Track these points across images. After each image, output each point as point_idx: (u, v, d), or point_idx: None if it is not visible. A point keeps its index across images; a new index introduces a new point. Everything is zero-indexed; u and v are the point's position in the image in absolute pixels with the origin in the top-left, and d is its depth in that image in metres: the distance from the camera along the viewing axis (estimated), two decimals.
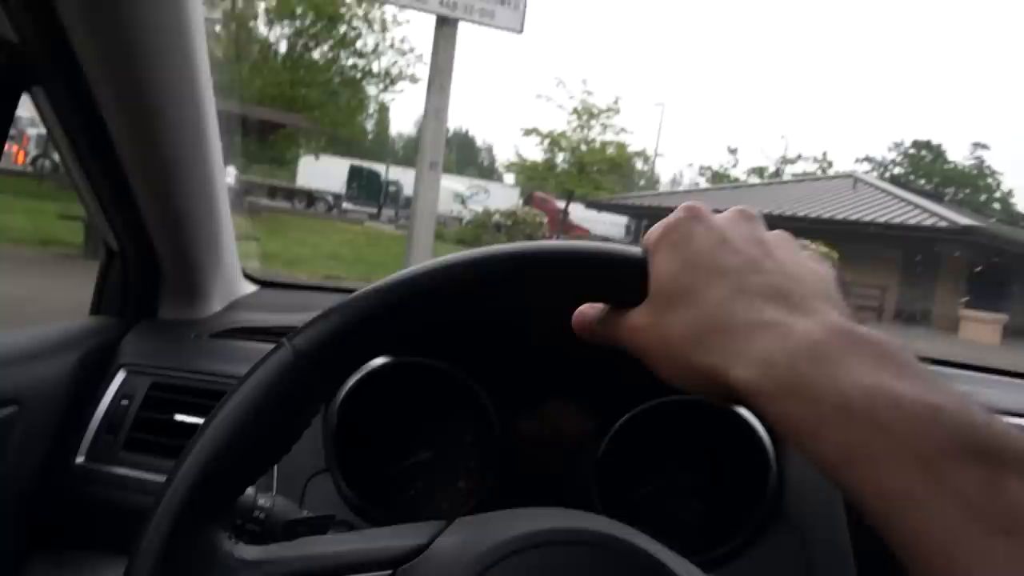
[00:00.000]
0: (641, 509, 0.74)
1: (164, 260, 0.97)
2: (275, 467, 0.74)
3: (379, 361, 0.74)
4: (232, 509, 0.42)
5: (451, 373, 0.75)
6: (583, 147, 18.68)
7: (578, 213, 20.90)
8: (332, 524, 0.59)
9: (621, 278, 0.41)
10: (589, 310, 0.44)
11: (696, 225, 0.40)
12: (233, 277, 1.09)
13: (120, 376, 0.91)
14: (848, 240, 13.98)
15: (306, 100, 14.05)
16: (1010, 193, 30.91)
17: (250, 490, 0.55)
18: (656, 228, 0.41)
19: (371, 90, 16.29)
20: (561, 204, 20.03)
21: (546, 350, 0.76)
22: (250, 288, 1.16)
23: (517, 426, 0.78)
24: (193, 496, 0.37)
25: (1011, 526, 0.26)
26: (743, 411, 0.75)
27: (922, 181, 29.99)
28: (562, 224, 18.91)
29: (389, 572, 0.39)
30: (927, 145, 32.54)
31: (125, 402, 0.88)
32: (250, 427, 0.38)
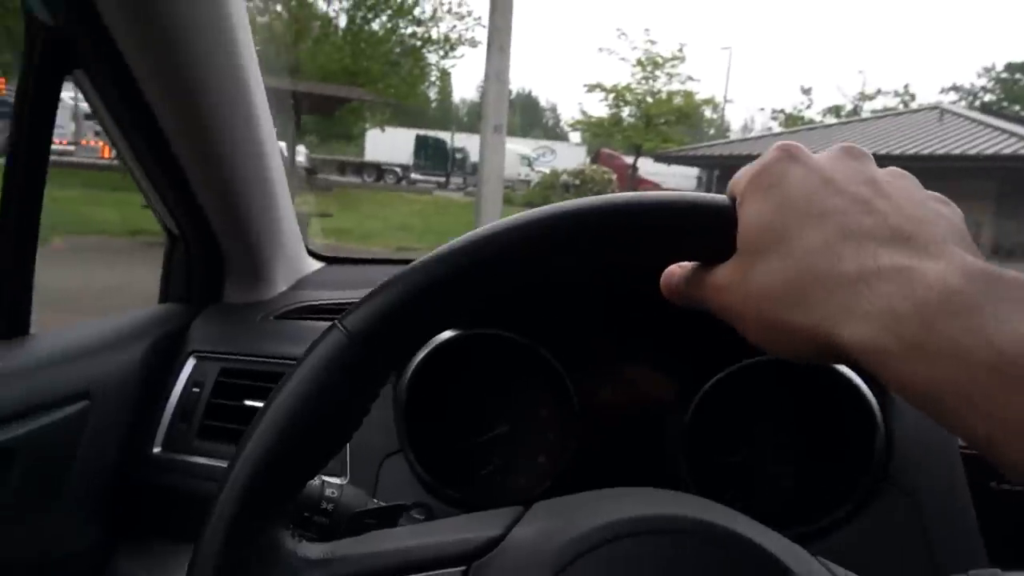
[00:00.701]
0: (734, 479, 0.70)
1: (224, 243, 0.96)
2: (347, 450, 0.72)
3: (447, 334, 0.70)
4: (295, 502, 0.40)
5: (524, 344, 0.71)
6: (649, 99, 18.24)
7: (647, 168, 20.48)
8: (404, 513, 0.56)
9: (705, 230, 0.35)
10: (677, 269, 0.39)
11: (792, 165, 0.34)
12: (297, 255, 1.08)
13: (190, 363, 0.91)
14: (936, 176, 13.19)
15: (368, 73, 14.08)
16: None
17: (316, 480, 0.53)
18: (745, 171, 0.36)
19: (432, 57, 16.17)
20: (629, 160, 19.68)
21: (625, 313, 0.71)
22: (315, 265, 1.14)
23: (597, 396, 0.74)
24: (249, 492, 0.35)
25: None
26: (844, 368, 0.68)
27: (1016, 107, 28.13)
28: (631, 179, 18.58)
29: (463, 569, 0.36)
30: (1021, 67, 30.43)
31: (196, 389, 0.88)
32: (305, 416, 0.36)
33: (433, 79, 19.96)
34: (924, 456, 0.67)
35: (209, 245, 0.96)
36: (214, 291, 1.01)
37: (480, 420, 0.74)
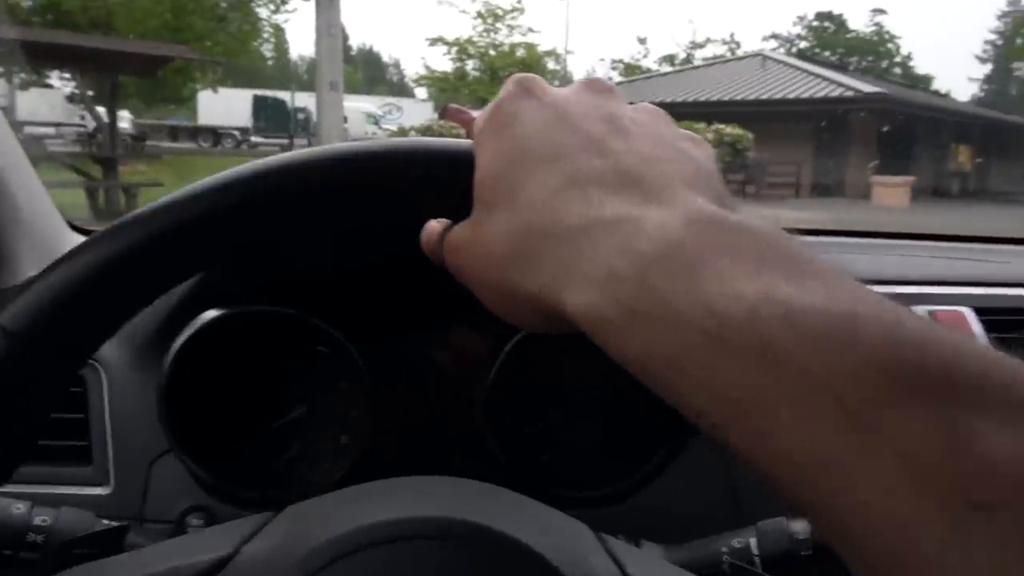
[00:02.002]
0: (543, 441, 0.68)
1: None
2: (109, 455, 0.64)
3: (210, 314, 0.63)
4: None
5: (299, 318, 0.64)
6: (492, 52, 18.23)
7: None
8: (126, 534, 0.49)
9: (439, 181, 0.32)
10: (436, 226, 0.35)
11: (526, 101, 0.30)
12: (50, 233, 0.93)
13: None
14: (761, 120, 14.16)
15: (192, 29, 13.09)
16: (909, 57, 31.76)
17: (21, 507, 0.45)
18: (483, 112, 0.32)
19: (262, 12, 15.32)
20: (476, 114, 19.60)
21: (408, 274, 0.67)
22: (79, 241, 1.00)
23: (393, 366, 0.69)
24: None
25: (983, 493, 0.17)
26: None
27: (827, 53, 30.44)
28: None
29: None
30: (829, 16, 32.91)
31: None
32: None
33: (266, 35, 18.97)
34: None
35: None
36: None
37: (270, 405, 0.67)
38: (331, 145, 0.33)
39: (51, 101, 15.06)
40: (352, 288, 0.68)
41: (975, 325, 0.70)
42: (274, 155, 0.33)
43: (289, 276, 0.66)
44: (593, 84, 0.32)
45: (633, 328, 0.23)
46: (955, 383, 0.18)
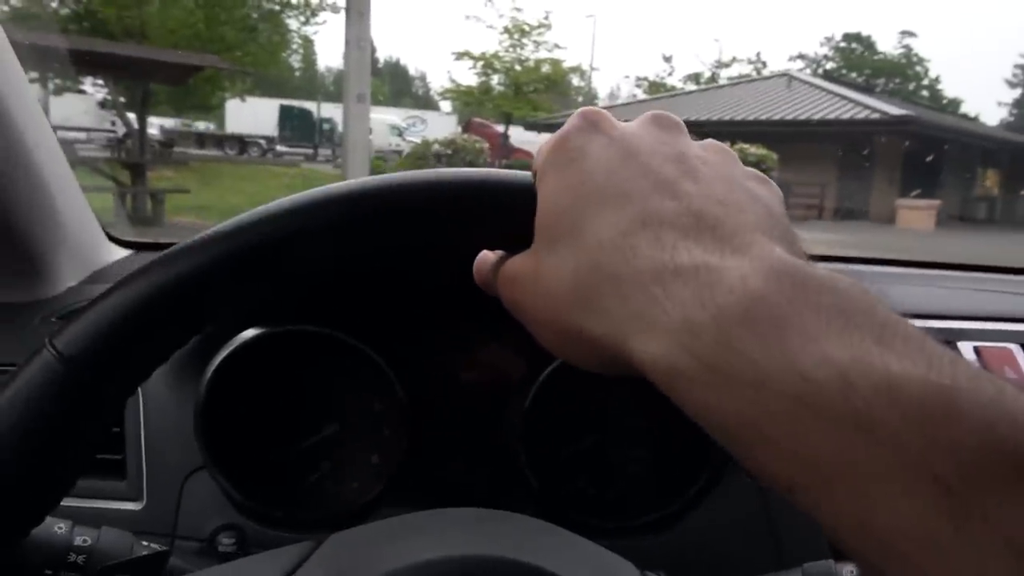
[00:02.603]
0: (581, 466, 0.67)
1: None
2: (143, 470, 0.63)
3: (249, 334, 0.63)
4: (23, 558, 0.34)
5: (335, 337, 0.64)
6: (517, 67, 18.27)
7: (518, 136, 20.56)
8: (167, 560, 0.49)
9: (500, 212, 0.32)
10: (490, 256, 0.35)
11: (593, 136, 0.30)
12: (90, 244, 0.93)
13: None
14: (786, 140, 14.08)
15: (224, 39, 13.27)
16: (937, 80, 31.48)
17: (63, 526, 0.45)
18: (545, 144, 0.32)
19: (292, 24, 15.46)
20: (500, 128, 19.68)
21: (448, 293, 0.67)
22: (119, 254, 0.99)
23: (429, 386, 0.68)
24: None
25: None
26: None
27: (854, 74, 30.27)
28: (504, 148, 18.63)
29: None
30: (857, 37, 32.73)
31: None
32: (13, 460, 0.29)
33: (295, 47, 19.16)
34: None
35: None
36: None
37: (303, 423, 0.67)
38: (392, 175, 0.33)
39: (83, 106, 15.33)
40: (388, 307, 0.68)
41: None
42: (328, 184, 0.33)
43: (325, 294, 0.66)
44: (660, 120, 0.31)
45: (712, 385, 0.22)
46: None
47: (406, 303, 0.68)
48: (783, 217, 0.28)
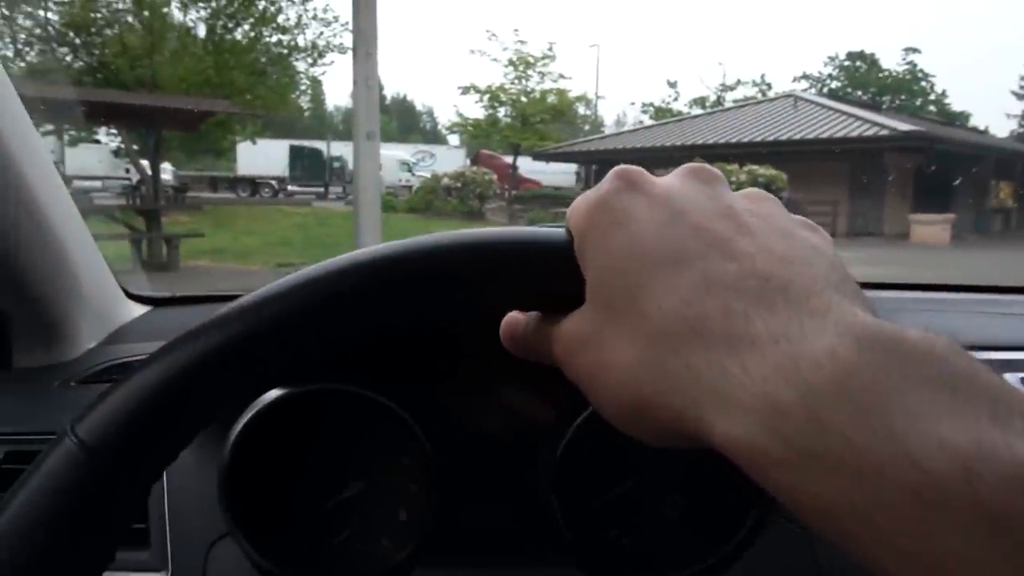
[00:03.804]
0: (615, 516, 0.64)
1: (1, 299, 0.79)
2: (167, 538, 0.62)
3: (273, 394, 0.61)
4: None
5: (362, 395, 0.62)
6: (523, 98, 18.44)
7: (527, 166, 20.72)
8: None
9: (540, 273, 0.30)
10: (521, 318, 0.33)
11: (634, 196, 0.28)
12: (108, 303, 0.91)
13: None
14: (794, 160, 14.09)
15: (234, 84, 13.50)
16: (944, 94, 31.46)
17: None
18: (581, 202, 0.30)
19: (300, 66, 15.70)
20: (508, 159, 19.83)
21: (473, 348, 0.65)
22: (137, 311, 0.97)
23: (457, 438, 0.67)
24: None
25: None
26: None
27: (859, 92, 30.35)
28: (513, 179, 18.75)
29: None
30: (861, 55, 32.86)
31: None
32: (39, 558, 0.28)
33: (304, 87, 19.44)
34: None
35: None
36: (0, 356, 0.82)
37: (328, 483, 0.65)
38: (418, 238, 0.32)
39: (97, 155, 15.60)
40: (410, 361, 0.66)
41: None
42: (349, 253, 0.32)
43: (347, 351, 0.64)
44: (699, 173, 0.30)
45: (806, 471, 0.20)
46: None
47: (428, 356, 0.67)
48: (842, 265, 0.27)
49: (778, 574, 0.62)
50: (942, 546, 0.18)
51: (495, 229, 0.32)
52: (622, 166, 0.30)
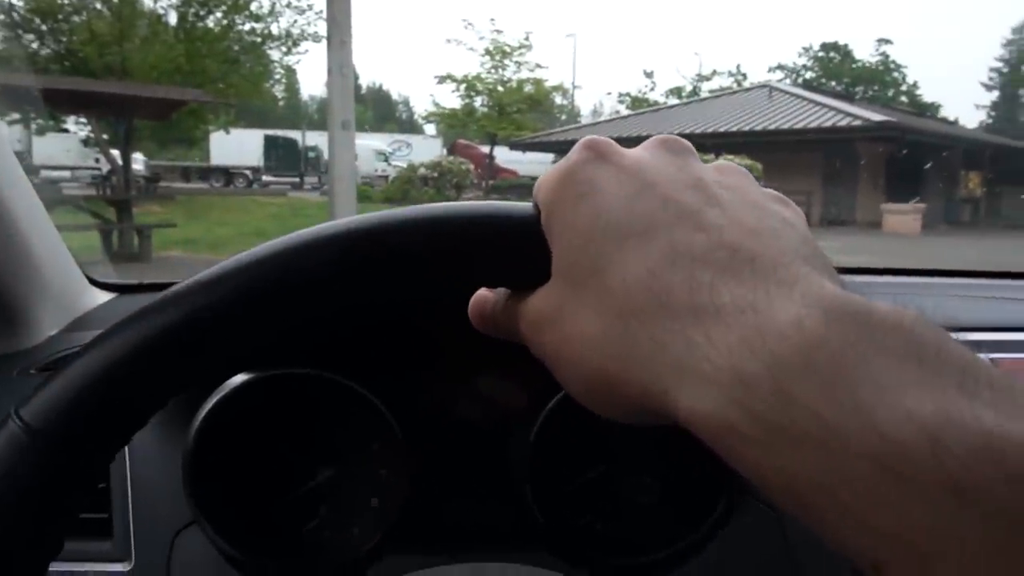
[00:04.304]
0: (585, 501, 0.64)
1: None
2: (130, 529, 0.60)
3: (238, 379, 0.59)
4: None
5: (325, 379, 0.61)
6: (500, 88, 18.40)
7: (504, 156, 20.72)
8: None
9: (506, 249, 0.29)
10: (489, 295, 0.32)
11: (601, 167, 0.27)
12: (71, 290, 0.89)
13: None
14: (770, 150, 14.23)
15: (206, 72, 13.30)
16: (915, 85, 31.91)
17: None
18: (549, 176, 0.29)
19: (274, 54, 15.52)
20: (485, 149, 19.81)
21: (445, 339, 0.64)
22: (103, 297, 0.95)
23: (428, 422, 0.65)
24: None
25: None
26: None
27: (833, 83, 30.67)
28: (489, 168, 18.72)
29: None
30: (834, 46, 33.16)
31: None
32: None
33: (278, 76, 19.23)
34: None
35: None
36: None
37: (296, 470, 0.63)
38: (386, 212, 0.30)
39: (66, 145, 15.32)
40: (378, 344, 0.65)
41: None
42: (319, 224, 0.30)
43: (314, 335, 0.62)
44: (670, 144, 0.29)
45: (772, 445, 0.20)
46: None
47: (396, 339, 0.65)
48: (812, 239, 0.26)
49: (749, 555, 0.62)
50: (909, 519, 0.17)
51: (461, 204, 0.31)
52: (590, 136, 0.29)
